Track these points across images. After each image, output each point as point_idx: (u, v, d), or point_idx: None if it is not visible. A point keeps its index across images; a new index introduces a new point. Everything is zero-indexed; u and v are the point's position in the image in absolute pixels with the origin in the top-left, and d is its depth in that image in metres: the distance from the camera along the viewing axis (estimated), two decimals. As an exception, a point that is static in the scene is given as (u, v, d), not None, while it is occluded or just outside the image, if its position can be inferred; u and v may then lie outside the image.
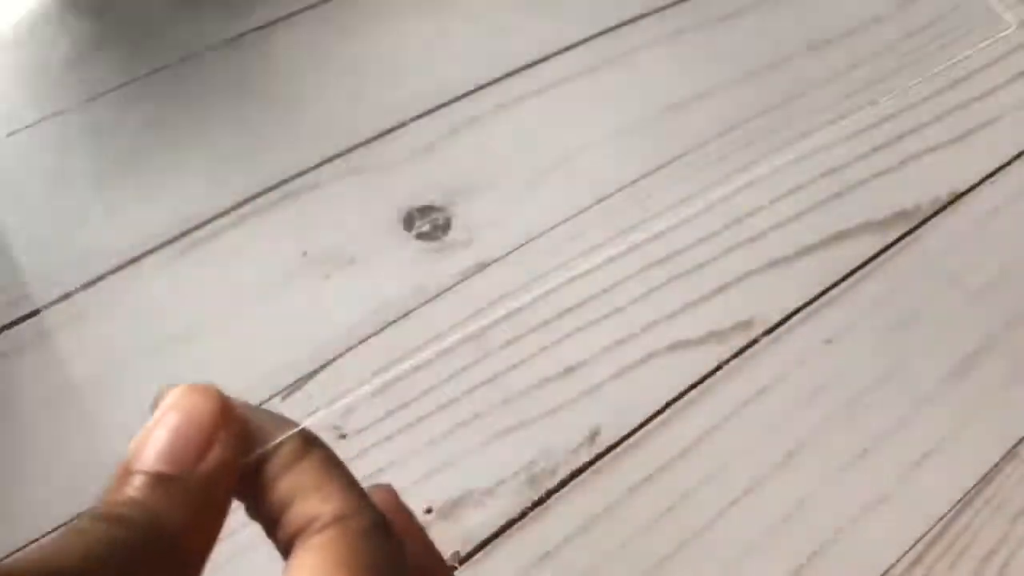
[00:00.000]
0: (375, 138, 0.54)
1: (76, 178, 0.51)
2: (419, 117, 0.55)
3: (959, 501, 0.44)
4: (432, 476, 0.43)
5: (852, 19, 0.64)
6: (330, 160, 0.52)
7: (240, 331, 0.46)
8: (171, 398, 0.17)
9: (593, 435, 0.45)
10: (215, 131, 0.53)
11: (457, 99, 0.56)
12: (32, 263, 0.47)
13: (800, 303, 0.50)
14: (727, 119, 0.57)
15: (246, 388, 0.44)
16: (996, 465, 0.46)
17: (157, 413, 0.17)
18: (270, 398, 0.44)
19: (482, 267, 0.49)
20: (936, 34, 0.63)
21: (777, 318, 0.49)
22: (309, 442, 0.19)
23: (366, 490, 0.19)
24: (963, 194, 0.56)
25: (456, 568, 0.40)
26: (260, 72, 0.56)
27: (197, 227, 0.49)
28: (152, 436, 0.17)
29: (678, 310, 0.49)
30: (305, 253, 0.49)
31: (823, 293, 0.50)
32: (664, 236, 0.51)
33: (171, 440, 0.17)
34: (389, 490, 0.21)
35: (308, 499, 0.17)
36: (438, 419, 0.44)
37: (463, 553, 0.41)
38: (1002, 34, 0.44)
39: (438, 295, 0.48)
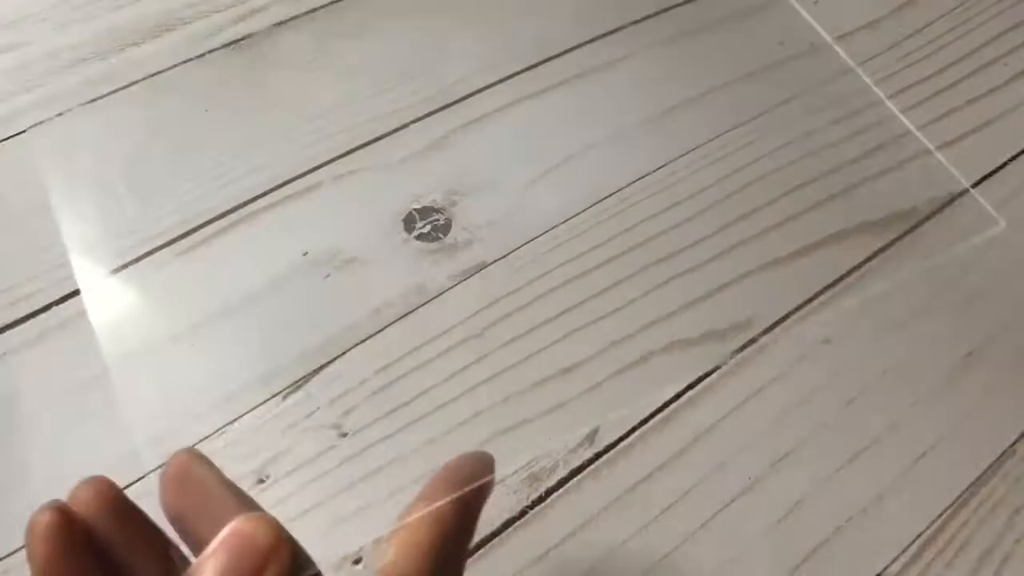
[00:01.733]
0: (375, 139, 0.54)
1: (74, 179, 0.51)
2: (419, 118, 0.55)
3: (957, 499, 0.45)
4: (433, 474, 0.43)
5: (852, 20, 0.64)
6: (331, 161, 0.53)
7: (241, 330, 0.46)
8: (228, 528, 0.17)
9: (592, 434, 0.45)
10: (215, 131, 0.54)
11: (457, 100, 0.56)
12: (32, 263, 0.47)
13: (798, 303, 0.50)
14: (726, 120, 0.57)
15: (246, 387, 0.44)
16: (994, 463, 0.46)
17: (214, 543, 0.17)
18: (270, 398, 0.44)
19: (482, 267, 0.49)
20: (934, 35, 0.64)
21: (776, 318, 0.49)
22: None
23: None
24: (960, 195, 0.56)
25: None
26: (262, 73, 0.56)
27: (198, 227, 0.49)
28: (207, 566, 0.17)
29: (677, 310, 0.49)
30: (306, 253, 0.49)
31: (821, 293, 0.50)
32: (663, 236, 0.52)
33: (225, 570, 0.17)
34: None
35: None
36: (438, 418, 0.44)
37: (463, 551, 0.41)
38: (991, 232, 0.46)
39: (438, 295, 0.48)
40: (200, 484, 0.21)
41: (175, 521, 0.21)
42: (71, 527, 0.19)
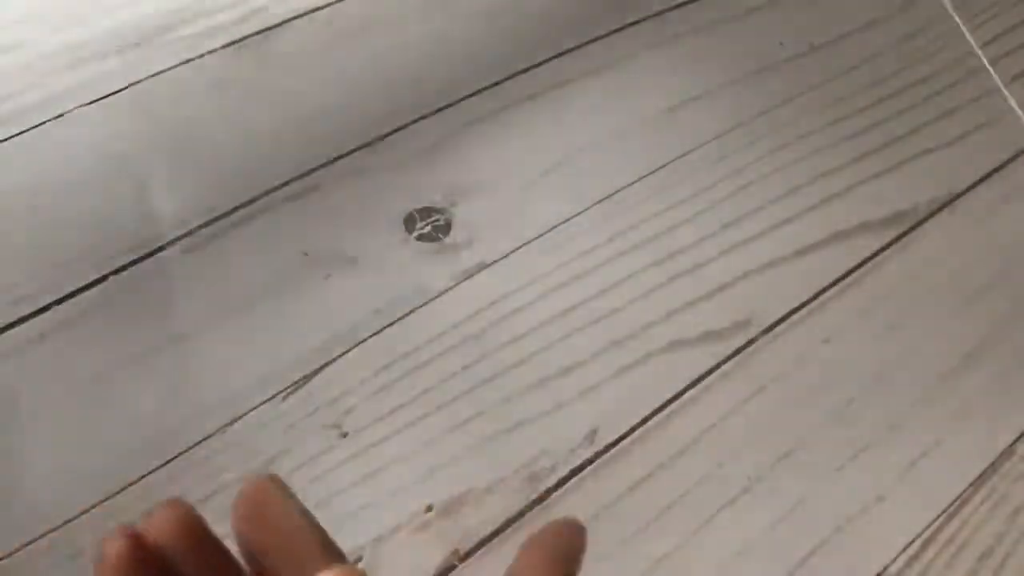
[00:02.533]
0: (376, 140, 0.54)
1: (74, 180, 0.51)
2: (420, 119, 0.55)
3: (957, 498, 0.45)
4: (433, 474, 0.43)
5: (852, 20, 0.64)
6: (332, 162, 0.53)
7: (242, 331, 0.46)
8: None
9: (592, 434, 0.45)
10: (215, 131, 0.54)
11: (457, 101, 0.56)
12: (33, 263, 0.47)
13: (798, 303, 0.50)
14: (726, 120, 0.57)
15: (247, 387, 0.44)
16: (993, 463, 0.46)
17: None
18: (271, 397, 0.44)
19: (482, 268, 0.50)
20: (934, 36, 0.64)
21: (775, 318, 0.49)
22: None
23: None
24: (961, 195, 0.56)
25: None
26: (261, 73, 0.56)
27: (199, 228, 0.49)
28: None
29: (676, 310, 0.49)
30: (306, 253, 0.49)
31: (821, 293, 0.50)
32: (663, 236, 0.52)
33: None
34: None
35: None
36: (438, 418, 0.44)
37: (463, 551, 0.41)
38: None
39: (438, 295, 0.48)
40: (279, 517, 0.19)
41: (248, 552, 0.20)
42: (144, 557, 0.18)
